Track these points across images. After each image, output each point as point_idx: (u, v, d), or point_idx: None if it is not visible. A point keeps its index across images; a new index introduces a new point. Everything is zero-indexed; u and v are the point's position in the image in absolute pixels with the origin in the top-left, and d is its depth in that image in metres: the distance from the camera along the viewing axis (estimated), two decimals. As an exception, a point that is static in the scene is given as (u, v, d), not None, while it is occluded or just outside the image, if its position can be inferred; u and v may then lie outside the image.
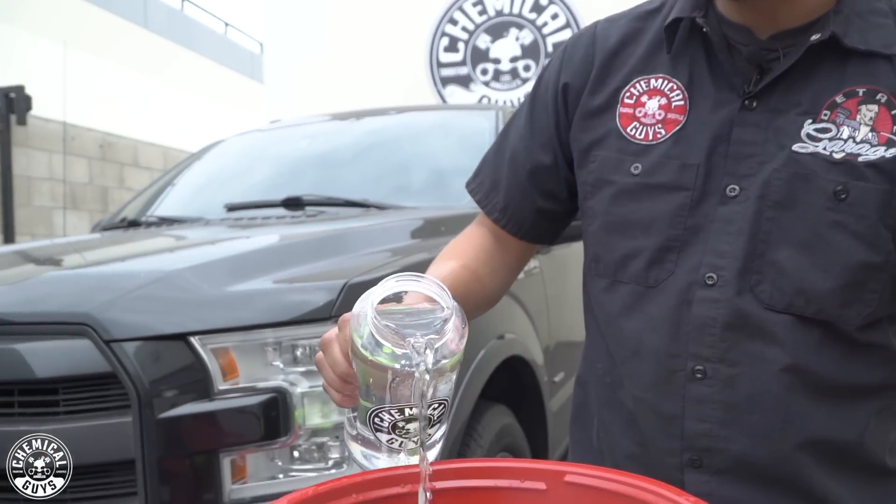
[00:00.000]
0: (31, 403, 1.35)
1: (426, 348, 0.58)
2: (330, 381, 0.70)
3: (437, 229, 2.01)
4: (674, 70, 0.84)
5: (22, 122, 6.68)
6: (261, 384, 1.40)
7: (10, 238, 6.58)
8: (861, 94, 0.75)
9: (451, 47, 6.13)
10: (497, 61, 6.03)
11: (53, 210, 6.81)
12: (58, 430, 1.31)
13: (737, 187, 0.78)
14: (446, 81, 6.13)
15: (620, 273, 0.85)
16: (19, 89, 6.74)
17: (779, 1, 0.78)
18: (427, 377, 0.58)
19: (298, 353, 1.43)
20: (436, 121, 2.94)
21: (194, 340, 1.37)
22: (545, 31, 5.97)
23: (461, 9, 6.12)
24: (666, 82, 0.84)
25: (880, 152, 0.73)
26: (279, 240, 1.89)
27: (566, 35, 5.85)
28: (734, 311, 0.77)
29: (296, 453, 1.42)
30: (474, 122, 2.76)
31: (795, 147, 0.76)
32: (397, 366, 0.59)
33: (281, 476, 1.40)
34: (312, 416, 1.42)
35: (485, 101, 5.90)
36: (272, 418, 1.38)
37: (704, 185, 0.79)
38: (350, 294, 1.44)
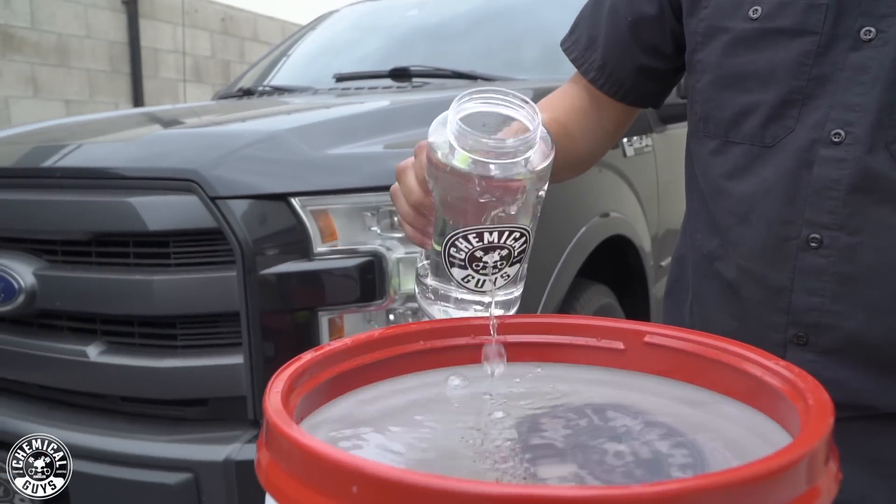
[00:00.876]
0: (144, 255, 1.43)
1: (510, 153, 0.53)
2: (404, 214, 0.66)
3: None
4: None
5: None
6: (359, 247, 1.42)
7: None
8: None
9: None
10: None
11: (178, 82, 7.06)
12: (169, 280, 1.39)
13: (873, 29, 0.67)
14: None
15: (733, 132, 0.77)
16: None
17: None
18: (512, 184, 0.54)
19: (396, 218, 1.43)
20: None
21: (294, 202, 1.39)
22: None
23: None
24: None
25: None
26: (384, 105, 1.87)
27: None
28: (863, 171, 0.68)
29: (391, 316, 1.45)
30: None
31: None
32: (479, 171, 0.53)
33: (376, 337, 1.44)
34: (407, 281, 1.44)
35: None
36: (368, 281, 1.40)
37: (834, 28, 0.69)
38: (448, 161, 1.41)
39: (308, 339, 1.40)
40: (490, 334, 0.57)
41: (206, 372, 1.39)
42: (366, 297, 1.41)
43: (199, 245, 1.41)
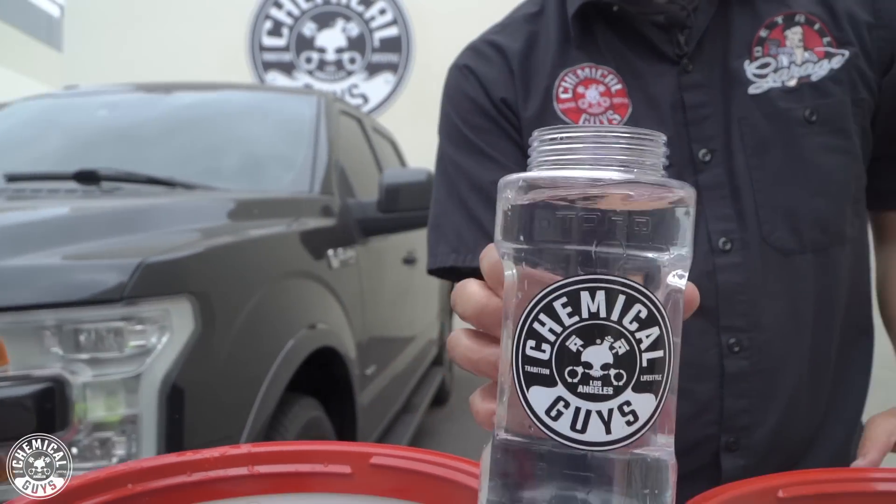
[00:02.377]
0: None
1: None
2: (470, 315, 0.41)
3: (250, 212, 1.91)
4: (593, 58, 0.81)
5: None
6: (35, 372, 1.24)
7: None
8: (780, 21, 0.78)
9: (275, 31, 5.92)
10: (322, 50, 5.91)
11: None
12: None
13: (707, 150, 0.77)
14: (268, 66, 5.91)
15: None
16: None
17: None
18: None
19: (82, 338, 1.28)
20: (254, 101, 2.81)
21: (-49, 321, 1.18)
22: (372, 25, 5.94)
23: (287, -8, 5.94)
24: (594, 70, 0.81)
25: (825, 67, 0.77)
26: (67, 212, 1.69)
27: (393, 31, 5.86)
28: (758, 269, 0.75)
29: (74, 450, 1.27)
30: (295, 106, 2.67)
31: (750, 90, 0.77)
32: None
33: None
34: (96, 408, 1.28)
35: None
36: (47, 411, 1.22)
37: (677, 160, 0.77)
38: (146, 275, 1.31)
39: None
40: (207, 469, 0.52)
41: None
42: (43, 429, 1.22)
43: None
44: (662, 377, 0.35)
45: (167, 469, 0.53)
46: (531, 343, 0.35)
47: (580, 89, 0.80)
